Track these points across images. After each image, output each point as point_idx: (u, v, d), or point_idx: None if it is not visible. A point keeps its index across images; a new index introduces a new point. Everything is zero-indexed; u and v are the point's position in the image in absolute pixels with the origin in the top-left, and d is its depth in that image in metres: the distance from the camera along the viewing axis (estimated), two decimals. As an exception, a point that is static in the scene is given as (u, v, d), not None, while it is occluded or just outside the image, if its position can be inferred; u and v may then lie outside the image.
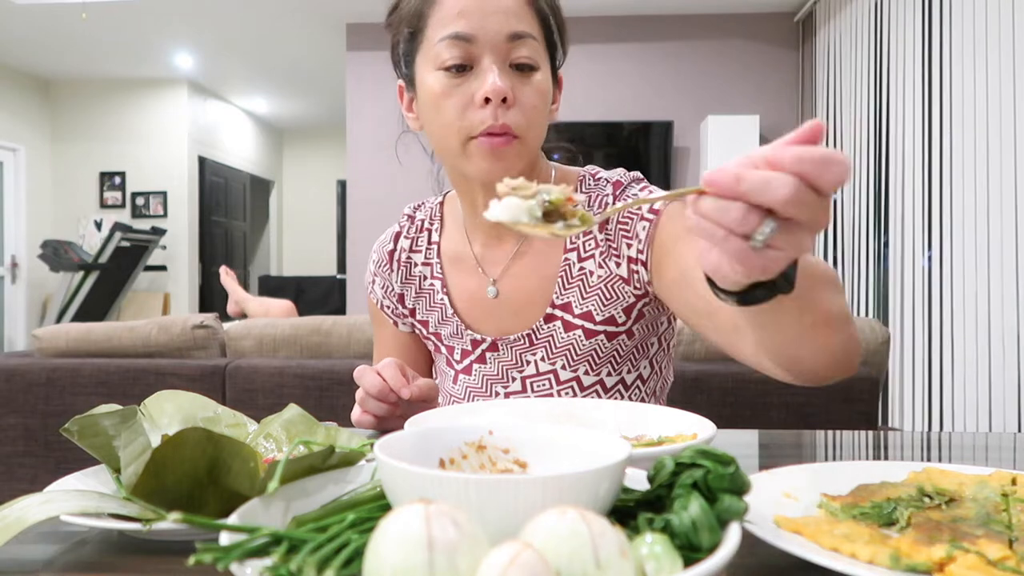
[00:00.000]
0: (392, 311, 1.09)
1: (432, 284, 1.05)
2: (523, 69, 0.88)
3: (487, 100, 0.86)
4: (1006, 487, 0.56)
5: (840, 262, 4.24)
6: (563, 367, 0.99)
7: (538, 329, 0.98)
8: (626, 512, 0.45)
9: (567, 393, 0.99)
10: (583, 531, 0.33)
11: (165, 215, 7.09)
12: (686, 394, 1.38)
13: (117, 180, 7.14)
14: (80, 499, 0.52)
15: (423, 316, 1.06)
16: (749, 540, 0.47)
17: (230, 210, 8.25)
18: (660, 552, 0.35)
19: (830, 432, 0.94)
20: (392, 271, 1.07)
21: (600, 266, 0.95)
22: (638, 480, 0.49)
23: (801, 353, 0.67)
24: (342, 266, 8.13)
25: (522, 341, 0.99)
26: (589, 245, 0.96)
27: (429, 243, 1.06)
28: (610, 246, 0.95)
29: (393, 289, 1.08)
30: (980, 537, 0.46)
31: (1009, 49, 2.63)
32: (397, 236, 1.08)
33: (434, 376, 1.13)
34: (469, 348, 1.03)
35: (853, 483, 0.59)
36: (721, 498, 0.41)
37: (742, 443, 0.84)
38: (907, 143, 3.38)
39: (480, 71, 0.87)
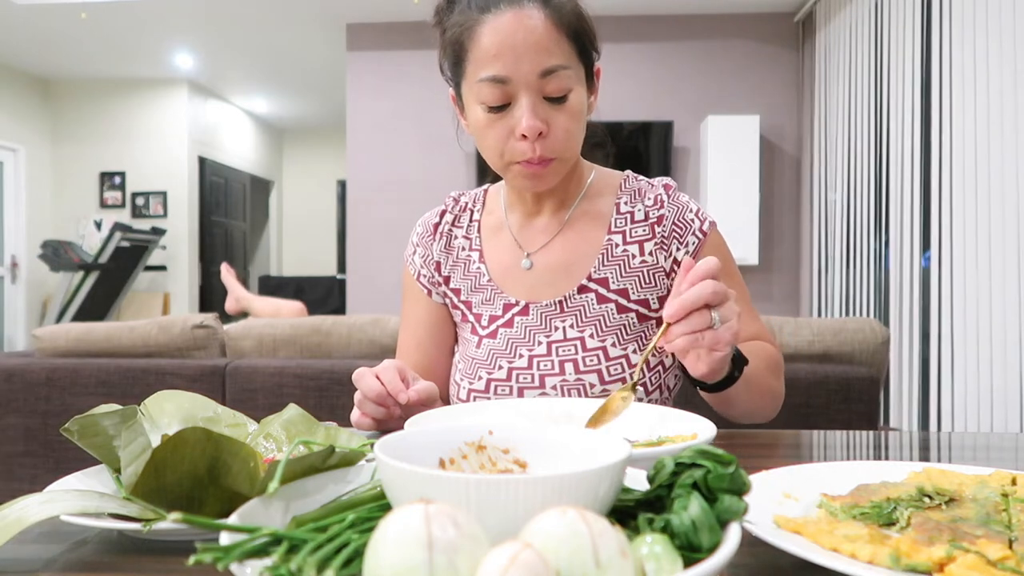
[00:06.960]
0: (428, 280, 1.15)
1: (470, 255, 1.13)
2: (557, 100, 0.95)
3: (524, 136, 0.94)
4: (1006, 487, 0.56)
5: (840, 262, 4.24)
6: (591, 335, 1.04)
7: (569, 298, 1.06)
8: (626, 512, 0.45)
9: (591, 361, 1.03)
10: (583, 531, 0.33)
11: (165, 215, 7.09)
12: (686, 394, 1.38)
13: (117, 180, 7.14)
14: (80, 499, 0.52)
15: (456, 284, 1.13)
16: (749, 540, 0.47)
17: (230, 210, 8.24)
18: (660, 552, 0.35)
19: (830, 432, 0.94)
20: (434, 240, 1.15)
21: (649, 254, 1.06)
22: (638, 480, 0.49)
23: (733, 414, 0.97)
24: (342, 266, 8.15)
25: (553, 307, 1.06)
26: (637, 232, 1.06)
27: (471, 221, 1.15)
28: (663, 241, 1.06)
29: (432, 257, 1.15)
30: (980, 537, 0.46)
31: (1010, 49, 2.63)
32: (443, 212, 1.17)
33: (456, 349, 1.16)
34: (499, 313, 1.09)
35: (853, 483, 0.59)
36: (721, 498, 0.41)
37: (742, 443, 0.84)
38: (906, 143, 3.38)
39: (517, 106, 0.95)
